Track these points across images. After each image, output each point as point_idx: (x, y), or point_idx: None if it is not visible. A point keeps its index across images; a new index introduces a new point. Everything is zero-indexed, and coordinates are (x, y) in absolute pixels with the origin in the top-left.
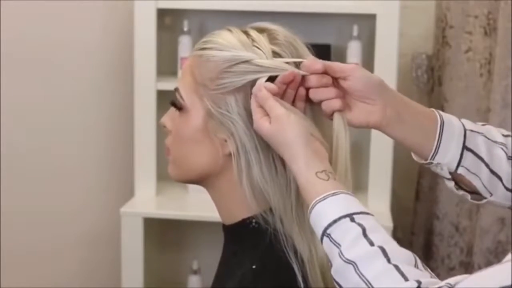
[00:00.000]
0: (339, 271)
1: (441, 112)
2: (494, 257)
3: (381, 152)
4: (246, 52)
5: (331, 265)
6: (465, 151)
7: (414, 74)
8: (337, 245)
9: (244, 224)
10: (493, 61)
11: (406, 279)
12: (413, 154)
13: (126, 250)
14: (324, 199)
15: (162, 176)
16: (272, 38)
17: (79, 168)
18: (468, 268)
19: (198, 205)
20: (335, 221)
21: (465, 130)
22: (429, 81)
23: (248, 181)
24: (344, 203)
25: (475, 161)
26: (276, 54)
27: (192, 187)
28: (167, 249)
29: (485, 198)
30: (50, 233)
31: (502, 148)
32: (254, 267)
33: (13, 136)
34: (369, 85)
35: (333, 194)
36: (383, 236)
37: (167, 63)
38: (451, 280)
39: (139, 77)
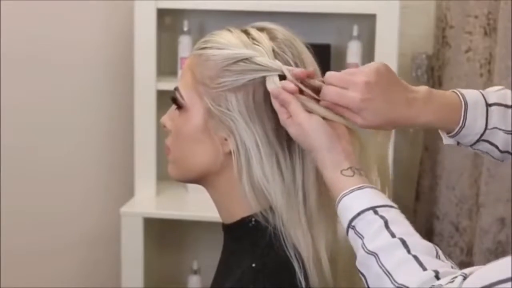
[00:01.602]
0: (362, 262)
1: (468, 102)
2: (494, 257)
3: None
4: (246, 50)
5: (355, 257)
6: (479, 142)
7: (414, 74)
8: (361, 236)
9: (244, 223)
10: (493, 61)
11: (424, 268)
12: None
13: (126, 250)
14: (351, 192)
15: (162, 176)
16: (272, 37)
17: (79, 168)
18: None
19: (198, 205)
20: (359, 214)
21: (485, 129)
22: (429, 81)
23: (248, 179)
24: (368, 196)
25: (488, 147)
26: (276, 53)
27: (192, 187)
28: (167, 249)
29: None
30: (50, 233)
31: None
32: (253, 265)
33: (13, 136)
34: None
35: (359, 188)
36: (405, 228)
37: (167, 63)
38: (467, 270)
39: (139, 77)
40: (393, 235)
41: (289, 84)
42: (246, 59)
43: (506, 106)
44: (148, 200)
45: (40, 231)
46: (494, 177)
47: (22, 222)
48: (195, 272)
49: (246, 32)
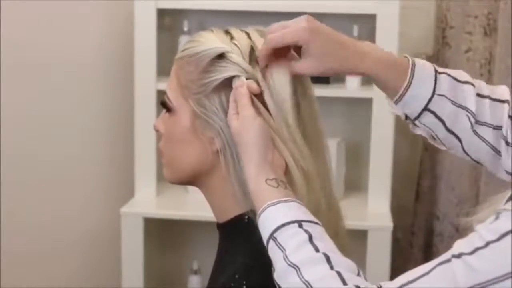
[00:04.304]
0: (281, 274)
1: (416, 68)
2: None
3: (381, 152)
4: (221, 44)
5: (274, 270)
6: (425, 112)
7: None
8: (282, 249)
9: (236, 221)
10: (493, 61)
11: (345, 284)
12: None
13: (126, 250)
14: (277, 203)
15: (162, 177)
16: (252, 36)
17: (79, 168)
18: None
19: (198, 205)
20: (283, 225)
21: (433, 94)
22: None
23: (236, 178)
24: (294, 210)
25: (434, 121)
26: (253, 53)
27: (191, 187)
28: (167, 249)
29: (444, 147)
30: (51, 233)
31: (468, 116)
32: (246, 262)
33: (14, 136)
34: (328, 52)
35: (285, 201)
36: (328, 245)
37: (167, 63)
38: (382, 283)
39: (139, 77)
40: (317, 250)
41: (253, 84)
42: (222, 57)
43: (457, 80)
44: (148, 200)
45: (41, 231)
46: (494, 177)
47: (23, 222)
48: (195, 272)
49: (227, 32)
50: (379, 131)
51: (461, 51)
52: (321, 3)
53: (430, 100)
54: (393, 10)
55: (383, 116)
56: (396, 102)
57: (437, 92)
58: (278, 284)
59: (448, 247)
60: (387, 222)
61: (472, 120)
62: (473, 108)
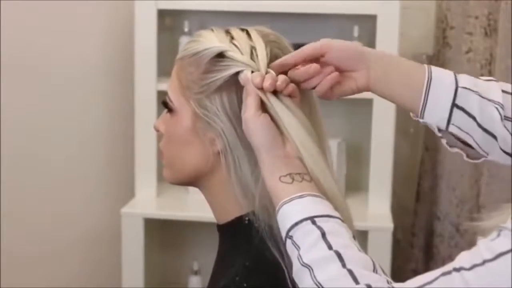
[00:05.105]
0: (297, 274)
1: (432, 68)
2: None
3: (381, 152)
4: (220, 44)
5: (292, 269)
6: (454, 108)
7: None
8: (297, 247)
9: (237, 223)
10: (493, 62)
11: (357, 282)
12: (411, 113)
13: (126, 251)
14: (290, 201)
15: (163, 177)
16: (252, 36)
17: (80, 168)
18: None
19: (198, 206)
20: (296, 224)
21: (456, 88)
22: None
23: (237, 179)
24: (308, 205)
25: (466, 120)
26: (254, 52)
27: (192, 187)
28: (168, 250)
29: (483, 156)
30: (51, 234)
31: (496, 108)
32: (246, 264)
33: (14, 137)
34: (346, 56)
35: (300, 197)
36: (343, 240)
37: (167, 64)
38: (395, 284)
39: (140, 78)
40: (330, 247)
41: (256, 78)
42: (222, 56)
43: (476, 78)
44: (149, 200)
45: (41, 231)
46: (495, 178)
47: (23, 223)
48: (196, 273)
49: (227, 31)
50: (380, 131)
51: (462, 52)
52: (321, 3)
53: (456, 93)
54: (393, 11)
55: (383, 117)
56: (423, 107)
57: (459, 84)
58: (296, 282)
59: (449, 247)
60: (388, 223)
61: (501, 111)
62: (500, 100)
